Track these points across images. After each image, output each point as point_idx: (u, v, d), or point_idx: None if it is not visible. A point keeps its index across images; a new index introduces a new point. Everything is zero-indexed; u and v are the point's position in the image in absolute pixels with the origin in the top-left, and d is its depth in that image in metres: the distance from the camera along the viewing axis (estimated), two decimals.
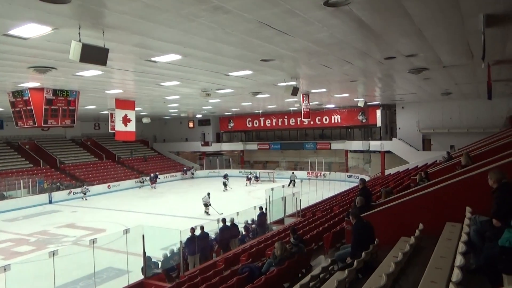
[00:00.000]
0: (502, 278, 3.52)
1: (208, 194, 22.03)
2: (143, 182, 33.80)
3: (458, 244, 4.67)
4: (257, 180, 34.35)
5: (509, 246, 3.56)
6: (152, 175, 34.15)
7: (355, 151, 33.94)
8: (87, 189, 28.53)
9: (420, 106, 28.70)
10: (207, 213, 21.09)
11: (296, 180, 30.50)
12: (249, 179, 33.66)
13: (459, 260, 3.95)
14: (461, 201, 6.38)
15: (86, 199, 27.29)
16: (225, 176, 32.55)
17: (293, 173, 32.98)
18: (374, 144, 31.29)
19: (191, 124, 42.67)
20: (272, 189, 16.51)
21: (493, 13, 6.36)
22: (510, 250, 3.53)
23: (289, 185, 27.55)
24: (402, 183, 16.75)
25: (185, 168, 40.20)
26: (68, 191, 28.98)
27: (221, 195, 27.00)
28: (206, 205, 21.52)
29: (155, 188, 32.64)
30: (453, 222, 6.22)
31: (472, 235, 4.73)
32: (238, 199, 25.16)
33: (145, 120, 30.87)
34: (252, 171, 37.25)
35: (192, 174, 39.64)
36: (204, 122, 42.20)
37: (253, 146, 40.82)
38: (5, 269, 7.53)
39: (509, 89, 19.28)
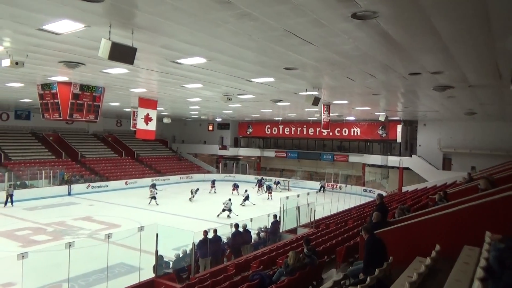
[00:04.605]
0: None
1: (230, 199, 22.10)
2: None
3: (476, 269, 4.54)
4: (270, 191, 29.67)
5: None
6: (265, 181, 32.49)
7: (373, 165, 33.50)
8: (156, 192, 25.49)
9: (442, 124, 28.15)
10: (229, 216, 20.91)
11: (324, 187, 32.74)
12: (260, 185, 31.75)
13: (476, 285, 3.84)
14: (481, 225, 6.21)
15: (157, 203, 24.78)
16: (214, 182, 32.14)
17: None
18: (393, 160, 30.81)
19: (210, 127, 43.02)
20: (287, 197, 16.42)
21: None
22: None
23: (319, 190, 30.89)
24: (419, 202, 16.42)
25: (263, 179, 33.80)
26: (87, 184, 29.61)
27: (235, 200, 27.02)
28: (225, 210, 21.37)
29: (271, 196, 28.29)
30: (471, 246, 6.05)
31: (492, 261, 4.59)
32: (252, 205, 25.13)
33: (165, 120, 31.27)
34: (265, 177, 35.56)
35: (281, 185, 33.69)
36: (223, 125, 42.48)
37: (270, 153, 40.80)
38: (23, 257, 7.75)
39: None
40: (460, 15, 5.52)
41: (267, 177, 36.44)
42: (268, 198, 28.27)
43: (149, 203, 24.66)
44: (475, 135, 26.53)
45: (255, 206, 24.70)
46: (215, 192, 30.44)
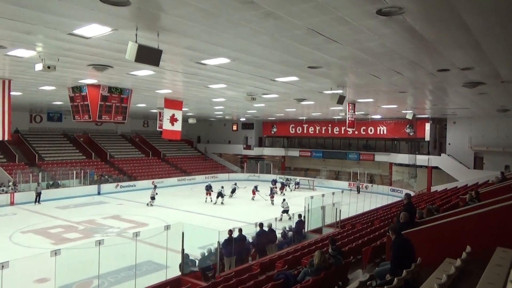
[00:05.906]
0: None
1: (284, 200, 21.59)
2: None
3: (510, 271, 4.38)
4: (296, 188, 33.23)
5: None
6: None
7: (400, 165, 32.78)
8: (156, 193, 25.19)
9: (473, 122, 27.21)
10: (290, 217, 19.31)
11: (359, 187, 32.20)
12: (282, 187, 30.38)
13: None
14: None
15: (151, 204, 24.50)
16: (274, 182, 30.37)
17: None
18: (421, 159, 30.07)
19: (234, 127, 43.31)
20: (312, 197, 16.31)
21: None
22: None
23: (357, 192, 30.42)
24: (449, 202, 15.93)
25: (288, 179, 33.76)
26: (115, 184, 30.43)
27: (261, 199, 27.01)
28: (285, 211, 20.53)
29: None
30: (504, 248, 5.83)
31: None
32: (276, 204, 25.05)
33: (191, 121, 31.69)
34: (289, 177, 35.52)
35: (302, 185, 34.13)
36: (247, 125, 42.67)
37: (294, 152, 40.64)
38: (55, 253, 8.04)
39: None
40: (491, 7, 5.32)
41: (292, 177, 36.21)
42: (267, 200, 26.09)
43: (149, 203, 24.40)
44: (509, 132, 25.50)
45: (279, 206, 24.55)
46: (276, 192, 28.01)
